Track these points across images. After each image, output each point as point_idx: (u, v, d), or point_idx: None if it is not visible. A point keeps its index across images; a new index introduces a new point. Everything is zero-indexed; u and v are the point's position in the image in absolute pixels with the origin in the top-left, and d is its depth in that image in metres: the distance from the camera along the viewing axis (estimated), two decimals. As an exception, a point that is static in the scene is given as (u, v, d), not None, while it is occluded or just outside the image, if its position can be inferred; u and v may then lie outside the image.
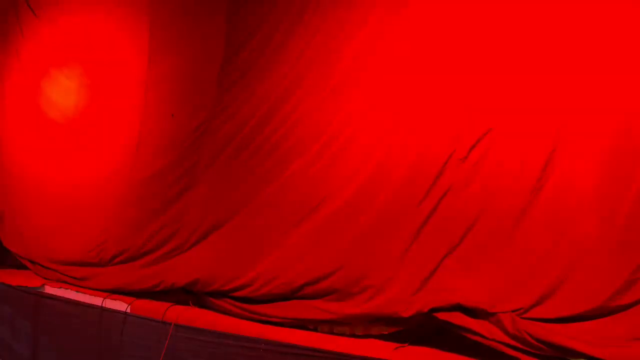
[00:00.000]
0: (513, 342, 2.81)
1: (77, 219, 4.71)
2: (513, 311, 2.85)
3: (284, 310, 3.53)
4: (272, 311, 3.57)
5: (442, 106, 3.27)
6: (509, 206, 3.06)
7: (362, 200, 3.42)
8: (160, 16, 4.48)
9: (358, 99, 3.54)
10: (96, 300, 4.14)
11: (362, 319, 3.28)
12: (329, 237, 3.49)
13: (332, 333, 3.39)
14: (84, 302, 4.21)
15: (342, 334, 3.35)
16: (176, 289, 3.95)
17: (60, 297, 4.36)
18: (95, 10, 4.90)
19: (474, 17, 3.23)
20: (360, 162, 3.46)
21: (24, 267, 4.93)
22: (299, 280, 3.50)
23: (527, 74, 3.08)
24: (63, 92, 5.01)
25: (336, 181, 3.53)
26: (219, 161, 4.04)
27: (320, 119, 3.65)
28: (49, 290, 4.48)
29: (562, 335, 2.68)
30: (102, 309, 4.07)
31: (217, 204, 3.99)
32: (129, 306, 3.96)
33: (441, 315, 3.01)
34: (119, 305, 4.02)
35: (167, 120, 4.33)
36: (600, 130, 2.91)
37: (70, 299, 4.30)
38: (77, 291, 4.34)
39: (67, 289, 4.40)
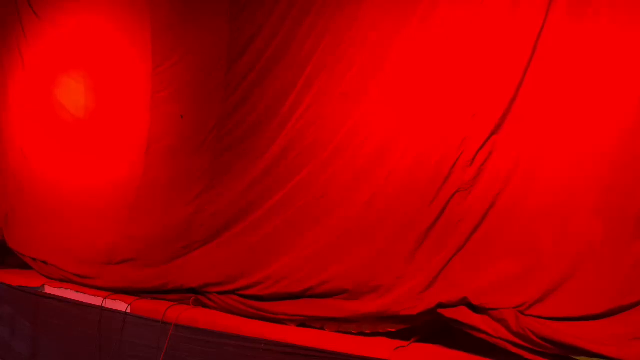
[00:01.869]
0: (517, 340, 2.80)
1: (86, 218, 4.72)
2: (516, 306, 2.84)
3: (293, 307, 3.52)
4: (281, 309, 3.56)
5: (451, 110, 3.30)
6: (512, 206, 3.08)
7: (372, 202, 3.46)
8: (161, 18, 4.48)
9: (368, 103, 3.57)
10: (96, 300, 4.13)
11: (371, 317, 3.27)
12: (339, 238, 3.51)
13: (338, 331, 3.37)
14: (84, 302, 4.20)
15: (349, 332, 3.34)
16: (184, 288, 3.94)
17: (60, 297, 4.36)
18: (97, 11, 4.92)
19: (482, 22, 3.25)
20: (370, 165, 3.50)
21: (25, 267, 4.92)
22: (309, 280, 3.51)
23: (532, 77, 3.09)
24: (68, 94, 5.03)
25: (347, 184, 3.56)
26: (230, 163, 4.06)
27: (332, 122, 3.68)
28: (49, 290, 4.48)
29: (565, 333, 2.67)
30: (102, 309, 4.05)
31: (229, 206, 4.00)
32: (129, 306, 3.95)
33: (447, 313, 3.01)
34: (119, 305, 4.01)
35: (175, 122, 4.34)
36: (608, 130, 2.91)
37: (70, 299, 4.29)
38: (77, 291, 4.33)
39: (67, 289, 4.40)
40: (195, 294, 3.92)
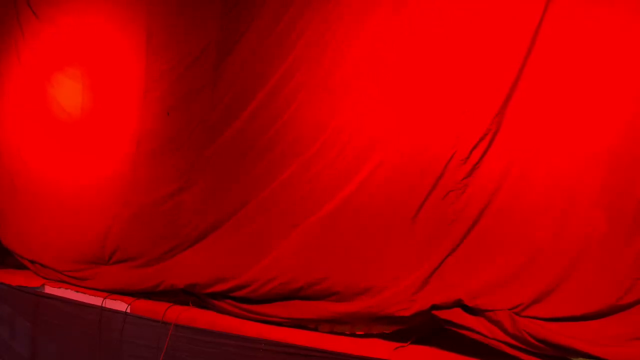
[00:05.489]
0: (513, 342, 2.81)
1: (80, 218, 4.70)
2: (512, 308, 2.85)
3: (285, 310, 3.53)
4: (273, 311, 3.56)
5: (443, 107, 3.27)
6: (509, 205, 3.07)
7: (362, 200, 3.42)
8: (157, 17, 4.47)
9: (356, 99, 3.52)
10: (96, 300, 4.13)
11: (363, 318, 3.28)
12: (328, 237, 3.48)
13: (332, 332, 3.39)
14: (84, 302, 4.20)
15: (343, 334, 3.35)
16: (176, 290, 3.94)
17: (60, 297, 4.36)
18: (95, 11, 4.89)
19: (476, 17, 3.22)
20: (359, 163, 3.45)
21: (24, 267, 4.90)
22: (298, 281, 3.49)
23: (530, 74, 3.07)
24: (64, 93, 5.01)
25: (335, 181, 3.52)
26: (217, 161, 4.04)
27: (318, 119, 3.64)
28: (49, 290, 4.47)
29: (562, 335, 2.68)
30: (102, 309, 4.06)
31: (215, 204, 3.98)
32: (129, 306, 3.96)
33: (442, 314, 3.01)
34: (119, 305, 4.02)
35: (164, 120, 4.33)
36: (607, 128, 2.91)
37: (70, 299, 4.29)
38: (77, 291, 4.33)
39: (67, 289, 4.40)
40: (188, 295, 3.91)
